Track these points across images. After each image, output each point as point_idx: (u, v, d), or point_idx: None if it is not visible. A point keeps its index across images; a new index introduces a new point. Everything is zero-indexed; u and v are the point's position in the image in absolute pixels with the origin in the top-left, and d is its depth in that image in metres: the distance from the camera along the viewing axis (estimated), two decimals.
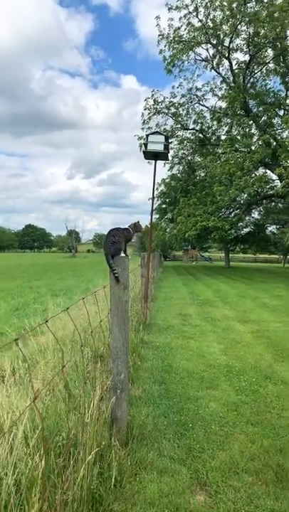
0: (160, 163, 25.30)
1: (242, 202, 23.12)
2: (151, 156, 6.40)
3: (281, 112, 20.01)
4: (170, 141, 23.27)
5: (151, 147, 6.24)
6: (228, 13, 17.65)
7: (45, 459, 1.84)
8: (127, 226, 2.92)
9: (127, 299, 2.72)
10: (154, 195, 21.16)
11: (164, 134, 6.43)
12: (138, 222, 2.89)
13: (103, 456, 2.32)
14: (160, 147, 6.22)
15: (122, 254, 2.78)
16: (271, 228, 35.11)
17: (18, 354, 3.17)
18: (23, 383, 2.92)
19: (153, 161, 6.63)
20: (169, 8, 19.06)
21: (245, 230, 32.65)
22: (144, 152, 6.34)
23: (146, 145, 6.28)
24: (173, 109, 21.59)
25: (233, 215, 24.23)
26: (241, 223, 28.06)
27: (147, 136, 6.27)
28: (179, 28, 19.34)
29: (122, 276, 2.68)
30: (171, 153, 24.38)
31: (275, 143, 19.48)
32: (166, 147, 6.27)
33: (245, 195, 21.15)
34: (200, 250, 46.74)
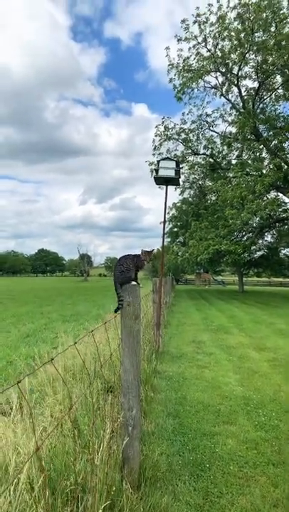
0: (171, 187, 25.53)
1: (254, 225, 22.98)
2: (163, 181, 6.41)
3: None
4: (181, 166, 23.56)
5: (162, 173, 6.25)
6: (236, 42, 18.12)
7: (52, 508, 1.69)
8: (139, 252, 2.84)
9: (138, 328, 2.61)
10: (166, 219, 21.23)
11: (175, 159, 6.44)
12: (153, 250, 2.81)
13: (114, 502, 2.15)
14: (171, 172, 6.23)
15: (133, 283, 2.68)
16: (285, 251, 34.68)
17: (26, 387, 3.04)
18: (30, 419, 2.79)
19: (164, 186, 6.63)
20: (179, 40, 19.69)
21: (258, 253, 32.28)
22: (155, 178, 6.35)
23: (157, 171, 6.29)
24: (183, 135, 21.95)
25: (245, 238, 24.07)
26: (254, 247, 27.79)
27: (158, 162, 6.29)
28: (188, 58, 19.91)
29: (134, 305, 2.58)
30: (182, 178, 24.61)
31: (286, 166, 19.50)
32: (177, 172, 6.27)
33: (258, 219, 21.05)
34: (213, 274, 46.29)
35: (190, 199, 25.70)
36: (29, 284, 48.39)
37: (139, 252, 2.83)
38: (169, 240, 27.57)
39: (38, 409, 3.18)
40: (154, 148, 21.88)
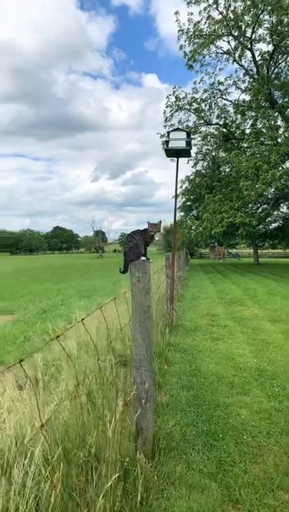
0: (183, 160, 25.03)
1: (270, 196, 22.45)
2: (173, 153, 6.25)
3: None
4: (193, 137, 22.94)
5: (172, 144, 6.09)
6: (249, 3, 17.12)
7: (66, 479, 1.75)
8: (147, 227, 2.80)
9: (149, 304, 2.60)
10: (178, 193, 20.84)
11: (186, 130, 6.24)
12: (160, 221, 2.76)
13: (128, 471, 2.21)
14: (182, 144, 6.06)
15: (143, 258, 2.66)
16: None
17: (39, 362, 3.11)
18: (48, 391, 2.86)
19: (176, 158, 6.48)
20: (188, 3, 18.73)
21: (273, 225, 31.70)
22: (165, 150, 6.19)
23: (167, 142, 6.13)
24: (195, 105, 21.22)
25: (260, 210, 23.60)
26: (269, 218, 27.26)
27: (168, 133, 6.12)
28: (198, 22, 18.98)
29: (144, 280, 2.56)
30: (194, 149, 24.06)
31: None
32: (189, 143, 6.09)
33: (273, 189, 20.53)
34: (227, 247, 45.91)
35: (203, 171, 25.16)
36: (45, 262, 49.06)
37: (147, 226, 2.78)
38: (182, 214, 27.30)
39: (53, 384, 3.26)
40: (166, 120, 21.31)
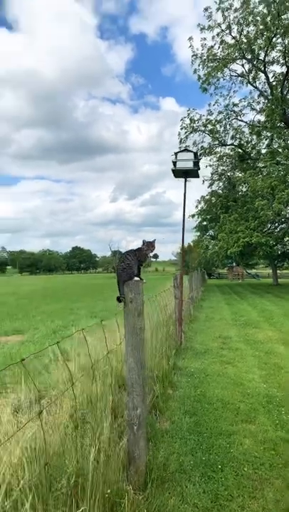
0: (198, 180, 25.13)
1: (287, 216, 22.18)
2: (181, 174, 6.27)
3: None
4: (209, 158, 23.12)
5: (180, 165, 6.12)
6: (261, 27, 17.46)
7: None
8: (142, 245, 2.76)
9: (142, 326, 2.54)
10: (194, 213, 20.82)
11: (193, 151, 6.27)
12: (154, 240, 2.72)
13: (115, 503, 2.10)
14: (189, 164, 6.08)
15: (136, 278, 2.61)
16: None
17: (36, 385, 3.06)
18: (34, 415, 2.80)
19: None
20: (202, 29, 19.25)
21: None
22: (173, 171, 6.22)
23: (175, 163, 6.16)
24: (210, 127, 21.46)
25: (278, 229, 23.29)
26: (288, 238, 26.85)
27: (176, 153, 6.16)
28: (212, 47, 19.43)
29: (136, 301, 2.51)
30: (210, 169, 24.18)
31: None
32: (196, 164, 6.11)
33: None
34: (245, 267, 45.25)
35: (219, 191, 25.18)
36: (63, 282, 49.49)
37: (146, 246, 2.75)
38: (198, 234, 27.21)
39: (51, 407, 3.19)
40: (180, 142, 21.61)
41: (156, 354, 4.47)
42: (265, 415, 3.69)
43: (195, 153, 6.19)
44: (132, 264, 2.62)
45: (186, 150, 6.15)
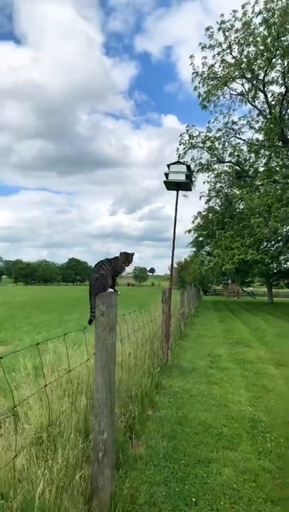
0: (196, 196, 25.17)
1: (284, 234, 22.16)
2: (173, 186, 6.15)
3: None
4: (206, 174, 23.20)
5: (172, 177, 6.00)
6: (261, 47, 17.74)
7: None
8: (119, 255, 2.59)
9: (113, 341, 2.34)
10: (190, 228, 20.70)
11: (186, 163, 6.17)
12: (133, 253, 2.55)
13: None
14: (182, 177, 5.96)
15: (110, 290, 2.43)
16: None
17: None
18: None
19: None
20: (203, 47, 19.56)
21: None
22: (165, 182, 6.10)
23: (167, 175, 6.04)
24: (208, 143, 21.60)
25: (274, 248, 23.24)
26: (284, 256, 26.78)
27: (168, 166, 6.05)
28: (213, 65, 19.70)
29: (108, 315, 2.32)
30: (207, 186, 24.25)
31: None
32: (189, 177, 5.99)
33: (287, 228, 20.26)
34: (241, 285, 45.08)
35: (216, 207, 25.19)
36: (56, 293, 49.04)
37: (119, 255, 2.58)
38: (194, 249, 27.11)
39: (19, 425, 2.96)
40: (179, 157, 21.65)
41: (137, 371, 4.24)
42: (249, 442, 3.46)
43: (188, 166, 6.09)
44: (107, 274, 2.45)
45: (178, 162, 6.04)
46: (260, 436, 3.58)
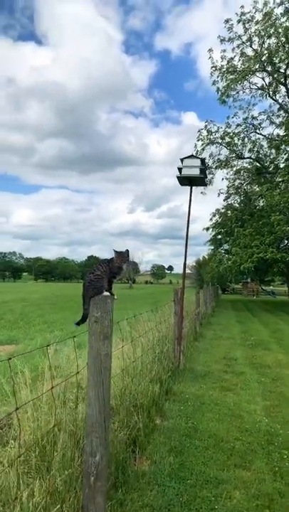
0: (214, 193, 24.64)
1: None
2: (186, 181, 5.85)
3: None
4: (225, 171, 22.66)
5: (185, 172, 5.71)
6: (283, 39, 17.10)
7: None
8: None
9: (108, 352, 2.09)
10: (209, 226, 20.24)
11: (200, 157, 5.86)
12: (126, 250, 2.30)
13: None
14: (196, 171, 5.65)
15: (105, 293, 2.18)
16: None
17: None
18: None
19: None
20: (222, 40, 19.03)
21: None
22: (178, 177, 5.80)
23: (180, 170, 5.75)
24: (227, 139, 21.05)
25: None
26: None
27: (182, 160, 5.75)
28: (232, 59, 19.14)
29: (103, 321, 2.07)
30: (226, 182, 23.71)
31: None
32: (203, 171, 5.68)
33: None
34: (261, 284, 44.15)
35: (235, 205, 24.61)
36: (74, 290, 49.31)
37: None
38: (212, 247, 26.60)
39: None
40: (197, 153, 21.17)
41: (143, 378, 3.99)
42: (264, 459, 3.16)
43: (202, 160, 5.78)
44: (102, 276, 2.20)
45: (192, 156, 5.74)
46: (276, 453, 3.27)
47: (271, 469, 3.00)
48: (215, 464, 3.04)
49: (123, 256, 2.27)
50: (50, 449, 2.25)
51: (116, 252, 2.29)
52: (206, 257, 47.44)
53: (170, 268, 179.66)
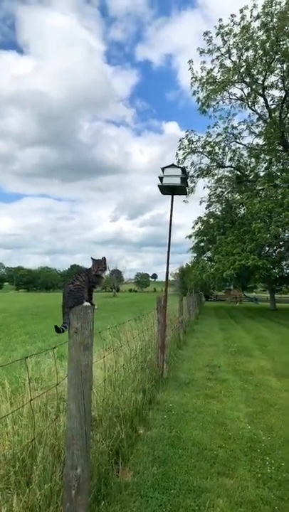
0: (196, 201, 24.94)
1: (286, 239, 21.87)
2: (168, 190, 5.91)
3: None
4: (207, 179, 23.00)
5: (167, 181, 5.76)
6: (260, 52, 17.61)
7: None
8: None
9: (88, 362, 2.08)
10: (191, 234, 20.41)
11: (181, 166, 5.93)
12: (103, 258, 2.30)
13: None
14: (177, 180, 5.72)
15: (86, 303, 2.18)
16: None
17: None
18: None
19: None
20: (201, 52, 19.45)
21: None
22: (159, 186, 5.86)
23: (161, 179, 5.81)
24: (208, 148, 21.42)
25: (276, 253, 22.96)
26: (286, 262, 26.44)
27: (163, 169, 5.81)
28: (211, 70, 19.58)
29: (83, 332, 2.06)
30: (207, 191, 24.04)
31: None
32: (184, 180, 5.75)
33: None
34: (244, 290, 44.66)
35: (217, 212, 24.96)
36: (56, 300, 48.67)
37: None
38: (195, 255, 26.82)
39: None
40: (178, 162, 21.44)
41: (126, 387, 3.97)
42: (247, 466, 3.17)
43: (183, 169, 5.85)
44: (82, 286, 2.19)
45: (173, 165, 5.80)
46: (258, 460, 3.29)
47: (254, 476, 3.01)
48: (198, 472, 3.04)
49: (100, 264, 2.27)
50: (30, 463, 2.21)
51: (93, 260, 2.29)
52: (190, 264, 47.82)
53: (154, 276, 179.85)
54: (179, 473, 3.00)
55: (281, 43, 17.09)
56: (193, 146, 21.32)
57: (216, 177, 23.10)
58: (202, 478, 2.94)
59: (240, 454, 3.41)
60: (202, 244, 25.46)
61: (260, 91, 19.70)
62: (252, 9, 17.86)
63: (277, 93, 19.84)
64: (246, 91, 20.47)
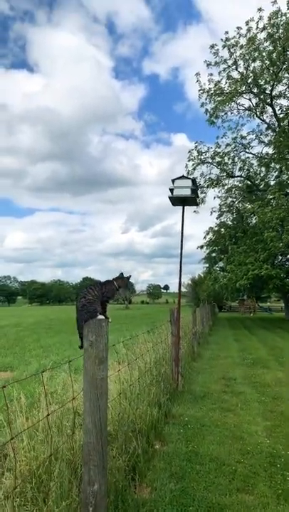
0: (207, 211, 24.93)
1: None
2: (178, 201, 5.93)
3: None
4: (217, 189, 23.01)
5: (177, 192, 5.79)
6: (267, 62, 17.74)
7: None
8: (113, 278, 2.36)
9: (103, 376, 2.07)
10: (203, 244, 20.35)
11: (191, 177, 5.96)
12: (128, 277, 2.32)
13: None
14: (187, 192, 5.74)
15: (100, 317, 2.18)
16: None
17: None
18: None
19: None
20: (208, 65, 19.71)
21: None
22: (170, 198, 5.88)
23: (172, 190, 5.84)
24: (218, 159, 21.50)
25: None
26: None
27: (173, 181, 5.84)
28: (219, 82, 19.79)
29: (98, 345, 2.06)
30: (218, 201, 24.04)
31: None
32: (194, 191, 5.77)
33: None
34: (257, 301, 44.10)
35: (229, 222, 24.89)
36: (69, 313, 48.86)
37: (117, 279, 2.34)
38: (207, 265, 26.70)
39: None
40: (188, 173, 21.57)
41: (141, 401, 3.93)
42: (266, 482, 3.09)
43: (193, 181, 5.87)
44: (95, 299, 2.20)
45: (183, 177, 5.83)
46: (278, 475, 3.20)
47: (274, 492, 2.93)
48: (217, 488, 2.97)
49: (124, 282, 2.29)
50: (46, 479, 2.19)
51: (119, 276, 2.30)
52: (202, 275, 47.55)
53: (166, 287, 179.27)
54: (197, 490, 2.94)
55: (288, 52, 17.20)
56: (202, 157, 21.45)
57: (226, 187, 23.13)
58: (221, 495, 2.87)
59: (260, 469, 3.32)
60: (214, 254, 25.35)
61: (268, 101, 19.78)
62: (258, 21, 18.11)
63: (285, 102, 19.96)
64: (254, 101, 20.63)
